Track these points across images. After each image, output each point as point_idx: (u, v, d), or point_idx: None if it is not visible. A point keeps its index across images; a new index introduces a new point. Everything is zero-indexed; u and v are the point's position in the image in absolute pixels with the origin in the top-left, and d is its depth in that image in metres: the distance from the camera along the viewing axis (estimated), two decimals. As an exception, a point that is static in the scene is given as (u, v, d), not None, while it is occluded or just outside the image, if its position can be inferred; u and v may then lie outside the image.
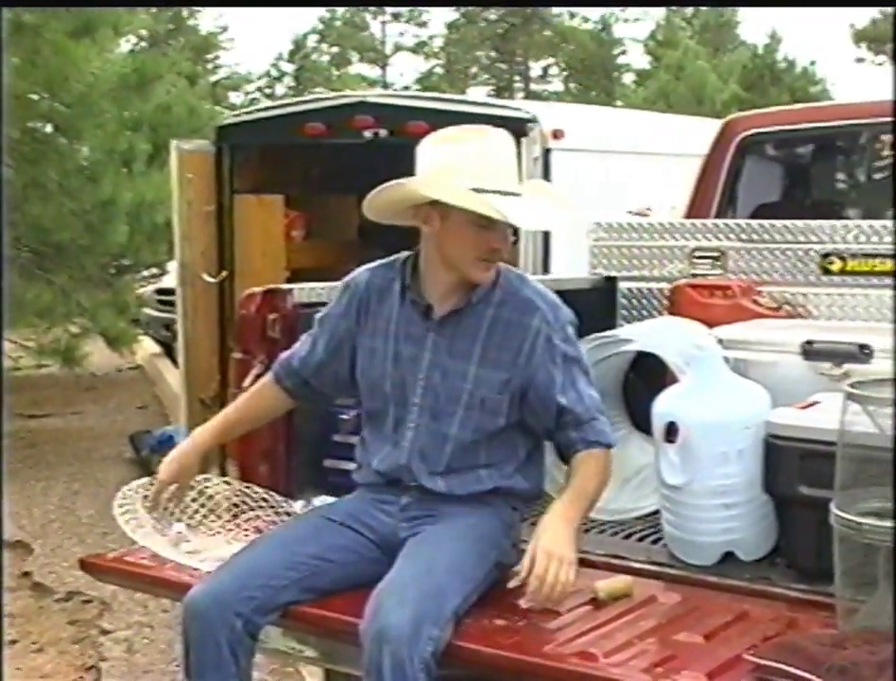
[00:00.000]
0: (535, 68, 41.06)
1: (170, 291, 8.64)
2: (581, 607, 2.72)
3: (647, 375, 3.58)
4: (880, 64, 29.92)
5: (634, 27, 50.65)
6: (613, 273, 4.16)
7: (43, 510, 7.01)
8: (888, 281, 3.64)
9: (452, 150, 2.78)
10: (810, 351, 3.23)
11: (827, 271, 3.79)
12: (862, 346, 3.16)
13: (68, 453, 8.50)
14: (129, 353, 10.21)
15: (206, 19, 33.92)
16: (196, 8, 31.97)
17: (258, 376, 3.24)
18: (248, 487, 3.25)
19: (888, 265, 3.66)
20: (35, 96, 8.37)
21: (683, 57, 21.13)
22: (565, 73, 40.28)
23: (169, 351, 10.93)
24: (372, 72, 41.38)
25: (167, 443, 7.28)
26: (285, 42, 50.42)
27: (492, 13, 39.35)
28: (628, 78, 36.47)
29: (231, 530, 3.19)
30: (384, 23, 41.64)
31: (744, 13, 33.01)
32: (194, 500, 3.18)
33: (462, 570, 2.66)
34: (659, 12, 30.67)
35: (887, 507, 2.42)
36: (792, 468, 2.83)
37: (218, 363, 6.82)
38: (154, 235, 9.02)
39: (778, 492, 2.90)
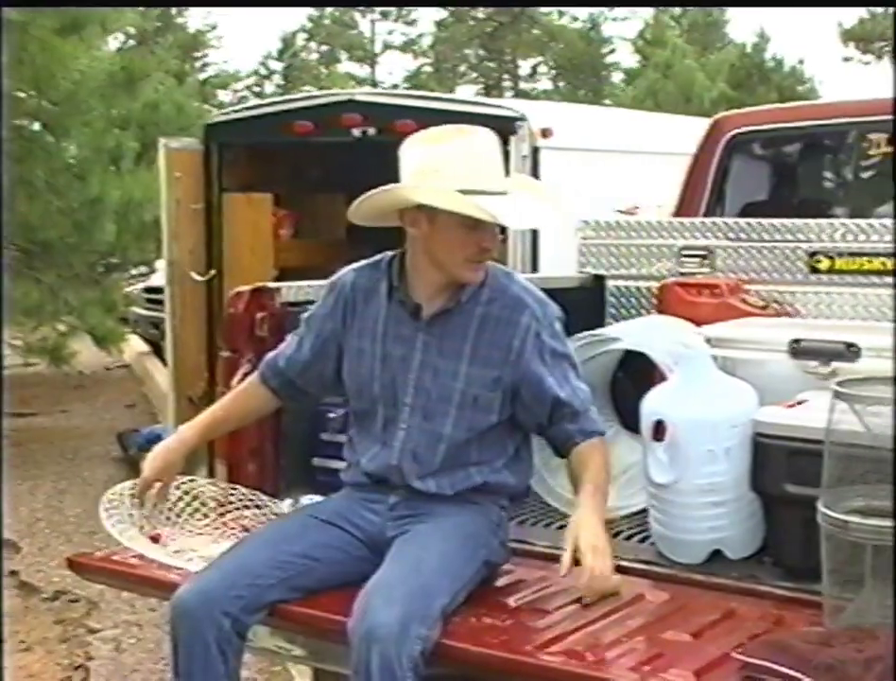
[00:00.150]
0: (524, 67, 41.06)
1: (158, 290, 8.64)
2: (569, 606, 2.71)
3: (635, 373, 3.59)
4: (867, 63, 29.99)
5: (623, 26, 50.66)
6: (602, 272, 4.16)
7: (30, 508, 7.00)
8: (876, 280, 3.65)
9: (435, 152, 2.77)
10: (797, 350, 3.24)
11: (815, 270, 3.80)
12: (849, 345, 3.17)
13: (55, 452, 8.48)
14: (116, 351, 10.20)
15: (194, 17, 33.88)
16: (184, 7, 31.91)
17: (246, 375, 3.23)
18: (234, 488, 3.25)
19: (876, 263, 3.66)
20: (22, 94, 8.35)
21: (672, 56, 21.13)
22: (554, 71, 40.26)
23: (157, 349, 10.91)
24: (361, 70, 41.31)
25: (155, 441, 7.16)
26: (274, 40, 50.29)
27: (481, 12, 39.32)
28: (617, 77, 36.48)
29: (218, 529, 3.19)
30: (373, 21, 41.59)
31: (732, 12, 33.08)
32: (180, 500, 3.17)
33: (450, 569, 2.65)
34: (647, 11, 30.71)
35: (873, 505, 2.42)
36: (779, 467, 2.83)
37: (206, 362, 6.82)
38: (142, 233, 9.02)
39: (765, 490, 2.91)
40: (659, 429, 3.01)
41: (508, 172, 2.90)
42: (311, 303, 3.12)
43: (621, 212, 5.81)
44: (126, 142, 8.97)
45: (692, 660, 2.40)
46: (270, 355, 3.10)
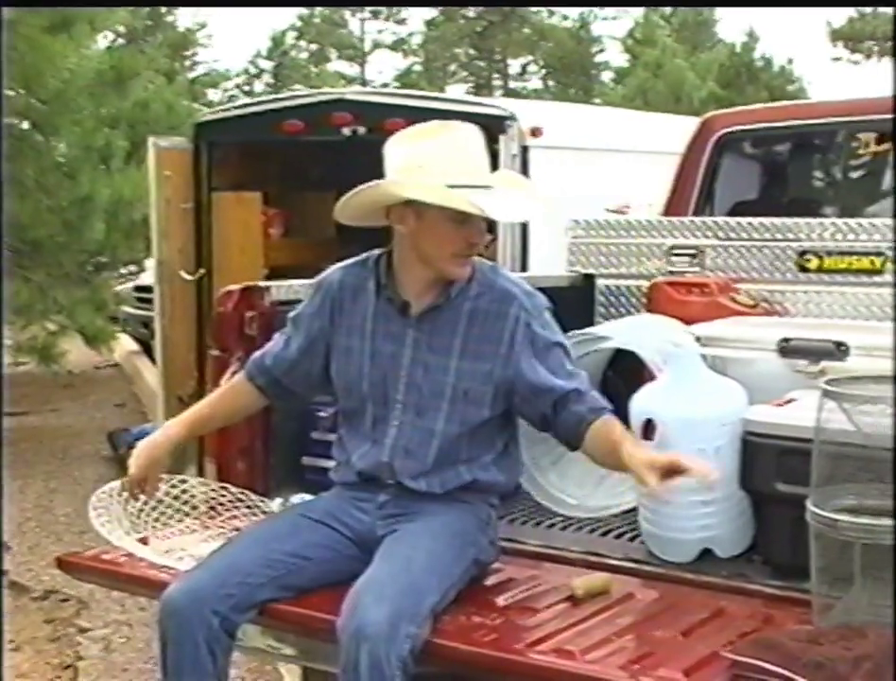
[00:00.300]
0: (514, 66, 41.07)
1: (148, 289, 8.62)
2: (559, 604, 2.72)
3: (625, 372, 3.59)
4: (856, 63, 30.04)
5: (612, 25, 50.70)
6: (591, 271, 4.16)
7: (19, 508, 6.98)
8: (865, 278, 3.66)
9: (420, 148, 2.78)
10: (787, 348, 3.24)
11: (804, 269, 3.80)
12: (838, 344, 3.17)
13: (45, 451, 8.47)
14: (106, 350, 10.18)
15: (184, 16, 33.78)
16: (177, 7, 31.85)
17: (235, 374, 3.23)
18: (224, 487, 3.25)
19: (865, 262, 3.67)
20: (11, 92, 8.32)
21: (661, 55, 21.14)
22: (544, 70, 40.28)
23: (147, 348, 10.90)
24: (351, 69, 41.30)
25: (145, 440, 7.27)
26: (264, 39, 50.28)
27: (471, 11, 39.33)
28: (607, 76, 36.52)
29: (208, 528, 3.18)
30: (362, 20, 41.57)
31: (722, 11, 33.12)
32: (167, 495, 3.17)
33: (440, 568, 2.66)
34: (637, 10, 30.73)
35: (863, 504, 2.43)
36: (769, 465, 2.84)
37: (196, 361, 6.81)
38: (132, 232, 9.00)
39: (755, 489, 2.91)
40: (649, 428, 3.01)
41: (493, 168, 2.90)
42: (301, 302, 3.12)
43: (611, 211, 5.81)
44: (115, 141, 8.94)
45: (681, 659, 2.40)
46: (257, 353, 3.10)
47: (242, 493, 3.24)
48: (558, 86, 38.10)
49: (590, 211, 4.61)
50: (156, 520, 3.14)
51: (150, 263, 8.06)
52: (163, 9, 31.48)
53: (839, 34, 29.31)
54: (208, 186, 7.21)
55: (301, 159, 7.55)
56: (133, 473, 2.96)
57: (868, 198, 5.27)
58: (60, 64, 8.13)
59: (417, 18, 40.01)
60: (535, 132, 6.19)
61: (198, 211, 7.18)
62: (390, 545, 2.75)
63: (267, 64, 40.15)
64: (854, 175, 5.45)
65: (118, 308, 10.92)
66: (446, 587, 2.65)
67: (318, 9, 40.44)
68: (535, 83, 40.03)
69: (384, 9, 40.71)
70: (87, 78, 8.49)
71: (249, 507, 3.22)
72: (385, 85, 36.27)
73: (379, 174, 2.84)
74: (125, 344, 11.98)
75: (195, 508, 3.21)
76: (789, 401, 2.98)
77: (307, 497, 3.23)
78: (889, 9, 23.99)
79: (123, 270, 10.92)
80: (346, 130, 6.57)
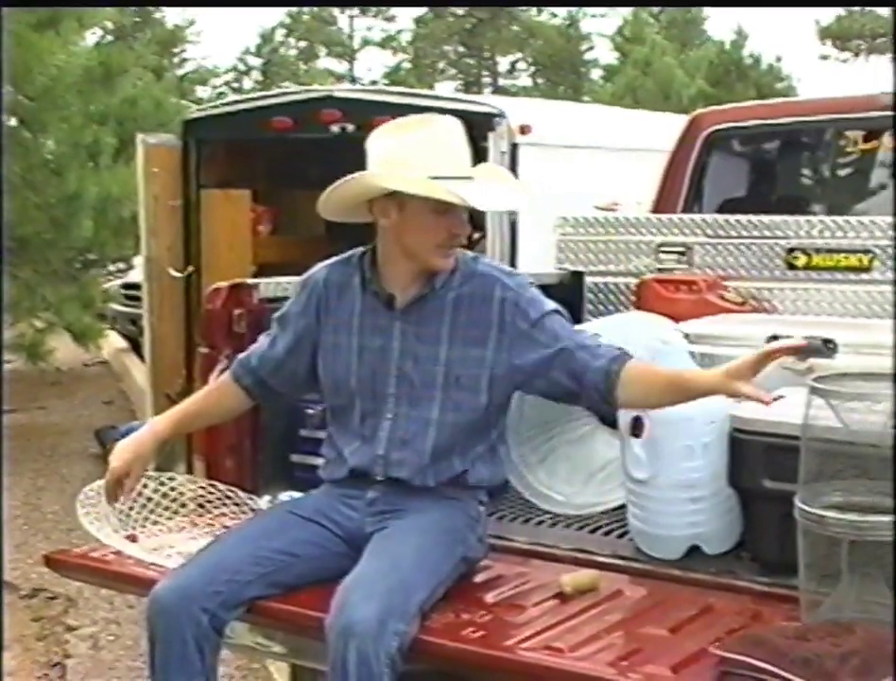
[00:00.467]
0: (503, 63, 41.07)
1: (136, 286, 8.61)
2: (547, 601, 2.72)
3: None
4: (844, 61, 30.12)
5: (601, 23, 50.67)
6: (580, 268, 4.16)
7: (7, 505, 6.95)
8: (853, 276, 3.67)
9: (401, 141, 2.79)
10: (775, 345, 3.24)
11: (792, 266, 3.81)
12: (826, 341, 3.17)
13: (33, 449, 8.44)
14: (95, 348, 10.16)
15: (172, 12, 33.71)
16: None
17: (224, 371, 3.22)
18: (212, 485, 3.24)
19: (853, 260, 3.68)
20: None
21: (650, 53, 21.15)
22: (533, 68, 40.31)
23: (135, 346, 10.88)
24: (340, 67, 41.27)
25: (134, 438, 7.26)
26: (253, 36, 50.24)
27: (460, 8, 39.31)
28: (596, 74, 36.54)
29: (196, 525, 3.18)
30: (351, 17, 41.53)
31: (711, 9, 33.16)
32: (156, 492, 3.16)
33: (428, 565, 2.66)
34: (626, 8, 30.74)
35: (850, 501, 2.44)
36: (756, 462, 2.84)
37: (184, 358, 6.80)
38: (120, 229, 8.98)
39: (742, 486, 2.91)
40: (637, 425, 3.01)
41: (475, 162, 2.91)
42: (288, 299, 3.12)
43: (600, 208, 5.81)
44: (103, 138, 8.92)
45: (670, 655, 2.41)
46: (242, 355, 3.09)
47: (230, 490, 3.23)
48: (547, 84, 38.11)
49: (579, 208, 4.62)
50: (144, 518, 3.14)
51: (139, 260, 8.05)
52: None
53: (828, 32, 29.39)
54: (196, 183, 7.20)
55: (289, 156, 7.54)
56: (116, 466, 2.90)
57: (856, 195, 5.28)
58: (48, 61, 8.11)
59: (406, 15, 40.00)
60: (524, 130, 6.19)
61: (186, 208, 7.17)
62: (379, 542, 2.75)
63: (256, 61, 40.12)
64: (842, 173, 5.46)
65: (106, 306, 10.88)
66: (435, 585, 2.65)
67: (306, 7, 40.40)
68: (524, 81, 40.05)
69: (373, 7, 40.67)
70: (75, 74, 8.48)
71: (237, 504, 3.22)
72: (374, 83, 36.25)
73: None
74: (113, 342, 11.95)
75: (183, 506, 3.21)
76: (777, 398, 2.98)
77: (296, 494, 3.23)
78: (879, 9, 24.08)
79: (111, 268, 10.89)
80: (335, 128, 6.56)
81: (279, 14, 39.58)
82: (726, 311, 3.75)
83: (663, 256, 4.03)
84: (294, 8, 40.12)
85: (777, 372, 3.20)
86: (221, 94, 34.66)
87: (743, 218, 3.92)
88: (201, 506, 3.23)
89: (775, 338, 3.25)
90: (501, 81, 40.05)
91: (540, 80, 39.39)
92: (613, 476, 3.35)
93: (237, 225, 7.28)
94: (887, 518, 2.38)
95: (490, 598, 2.75)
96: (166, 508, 3.18)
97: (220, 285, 3.48)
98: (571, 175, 6.31)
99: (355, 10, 41.02)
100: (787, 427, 2.67)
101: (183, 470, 3.65)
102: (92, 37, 11.12)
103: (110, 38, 17.12)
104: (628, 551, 3.08)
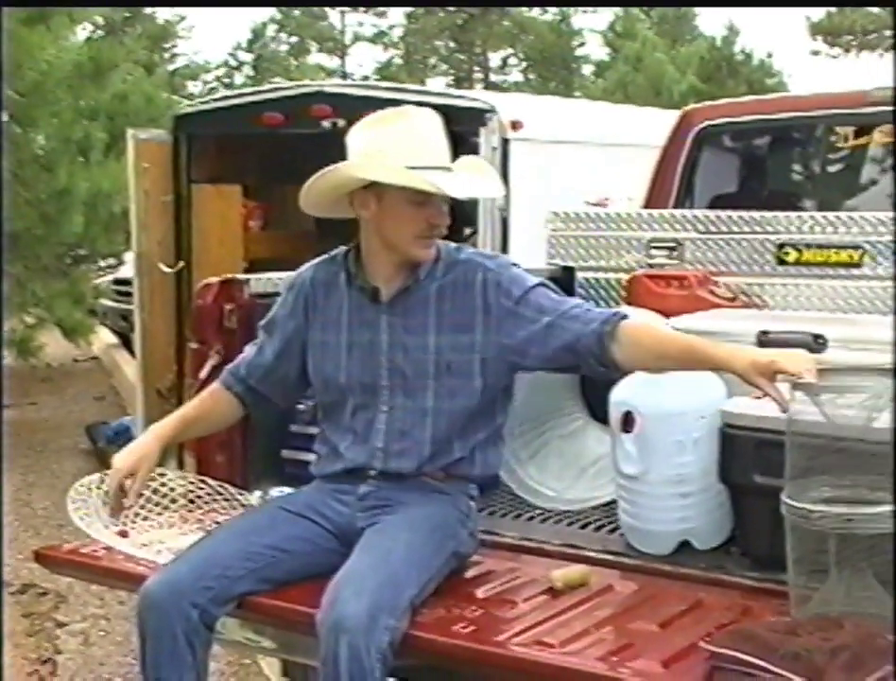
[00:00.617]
0: (494, 59, 41.04)
1: (127, 282, 8.58)
2: (538, 596, 2.73)
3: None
4: (835, 57, 30.12)
5: (593, 18, 50.68)
6: (571, 263, 4.16)
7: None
8: (843, 271, 3.67)
9: (379, 133, 2.81)
10: (765, 341, 3.25)
11: (782, 262, 3.81)
12: (816, 336, 3.18)
13: (23, 444, 8.43)
14: (85, 343, 10.14)
15: (163, 7, 33.62)
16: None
17: (215, 367, 3.23)
18: (202, 480, 3.24)
19: (843, 255, 3.68)
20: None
21: (642, 48, 21.16)
22: (524, 64, 40.29)
23: (126, 342, 10.86)
24: (331, 62, 41.21)
25: (124, 434, 7.26)
26: (244, 31, 50.17)
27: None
28: (587, 70, 36.55)
29: (186, 521, 3.18)
30: (342, 13, 41.47)
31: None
32: (149, 489, 3.16)
33: (419, 560, 2.66)
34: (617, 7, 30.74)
35: (838, 495, 2.44)
36: (746, 457, 2.84)
37: (175, 354, 6.79)
38: (111, 224, 8.96)
39: (733, 481, 2.92)
40: (627, 421, 3.02)
41: (454, 156, 2.91)
42: (279, 295, 3.11)
43: (591, 204, 5.82)
44: (94, 133, 8.90)
45: (660, 650, 2.41)
46: (230, 365, 3.09)
47: (221, 486, 3.23)
48: (538, 79, 38.10)
49: (570, 204, 4.62)
50: (135, 514, 3.13)
51: (129, 256, 8.03)
52: (143, 1, 31.32)
53: (818, 28, 29.39)
54: (187, 179, 7.19)
55: (280, 152, 7.52)
56: (121, 467, 2.88)
57: (846, 191, 5.28)
58: (39, 56, 8.08)
59: (397, 11, 39.89)
60: (515, 125, 6.18)
61: (177, 203, 7.15)
62: (370, 537, 2.75)
63: (247, 57, 40.06)
64: (833, 168, 5.46)
65: (97, 301, 10.87)
66: (425, 580, 2.65)
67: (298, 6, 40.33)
68: (515, 76, 40.06)
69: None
70: (65, 69, 8.45)
71: (227, 500, 3.21)
72: (365, 78, 36.21)
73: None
74: (104, 337, 11.94)
75: (174, 501, 3.20)
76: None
77: (286, 490, 3.23)
78: (874, 9, 24.12)
79: (102, 263, 10.86)
80: (326, 123, 6.54)
81: (270, 10, 39.51)
82: (716, 307, 3.75)
83: (653, 252, 4.03)
84: (285, 4, 40.05)
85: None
86: (212, 89, 34.63)
87: (734, 213, 3.93)
88: (192, 502, 3.22)
89: (766, 333, 3.26)
90: (492, 77, 40.04)
91: (531, 76, 39.38)
92: (604, 471, 3.35)
93: (228, 220, 7.27)
94: (873, 510, 2.39)
95: (480, 593, 2.75)
96: (157, 503, 3.17)
97: (211, 280, 3.48)
98: (562, 170, 6.31)
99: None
100: (777, 422, 2.67)
101: (174, 466, 3.64)
102: (82, 32, 11.12)
103: (100, 33, 17.10)
104: (619, 547, 3.09)
